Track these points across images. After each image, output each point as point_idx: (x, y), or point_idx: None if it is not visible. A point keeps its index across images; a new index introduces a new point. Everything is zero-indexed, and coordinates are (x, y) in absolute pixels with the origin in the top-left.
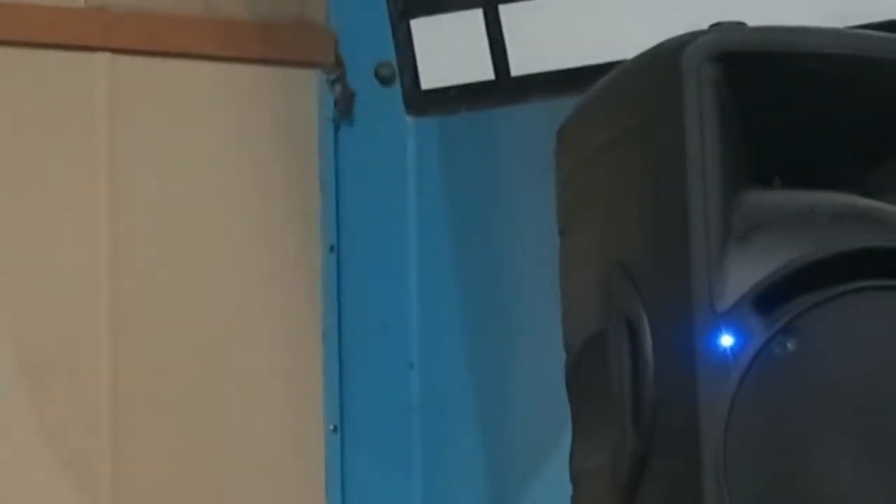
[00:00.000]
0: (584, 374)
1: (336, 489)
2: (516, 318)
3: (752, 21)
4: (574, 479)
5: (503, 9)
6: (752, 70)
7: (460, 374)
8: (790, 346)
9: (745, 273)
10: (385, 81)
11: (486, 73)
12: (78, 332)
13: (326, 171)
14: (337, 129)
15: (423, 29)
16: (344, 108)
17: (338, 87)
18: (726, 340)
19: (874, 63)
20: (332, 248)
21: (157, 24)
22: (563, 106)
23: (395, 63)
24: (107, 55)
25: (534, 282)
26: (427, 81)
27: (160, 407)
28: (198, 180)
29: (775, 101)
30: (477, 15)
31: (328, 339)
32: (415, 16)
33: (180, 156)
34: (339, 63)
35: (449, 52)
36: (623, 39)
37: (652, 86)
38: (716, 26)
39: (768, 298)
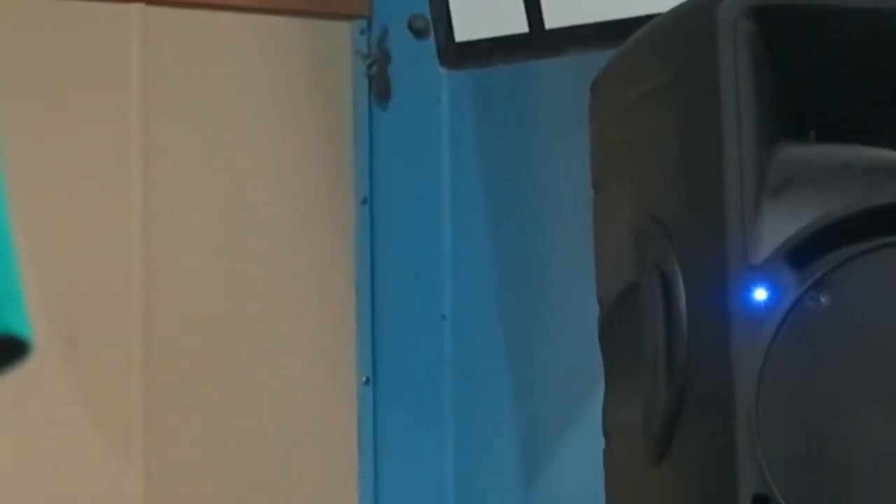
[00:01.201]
0: (618, 327)
1: (368, 441)
2: (549, 271)
3: None
4: (606, 433)
5: None
6: (787, 24)
7: (493, 327)
8: (823, 300)
9: (778, 227)
10: (419, 34)
11: (521, 25)
12: (110, 288)
13: (360, 123)
14: (371, 81)
15: None
16: (380, 88)
17: (374, 69)
18: (760, 294)
19: None
20: (365, 201)
21: None
22: (598, 59)
23: (428, 16)
24: (140, 6)
25: (567, 235)
26: (461, 34)
27: (192, 362)
28: (230, 133)
29: (810, 56)
30: None
31: (361, 291)
32: None
33: (212, 108)
34: (371, 19)
35: (483, 4)
36: None
37: (687, 40)
38: None
39: (802, 252)
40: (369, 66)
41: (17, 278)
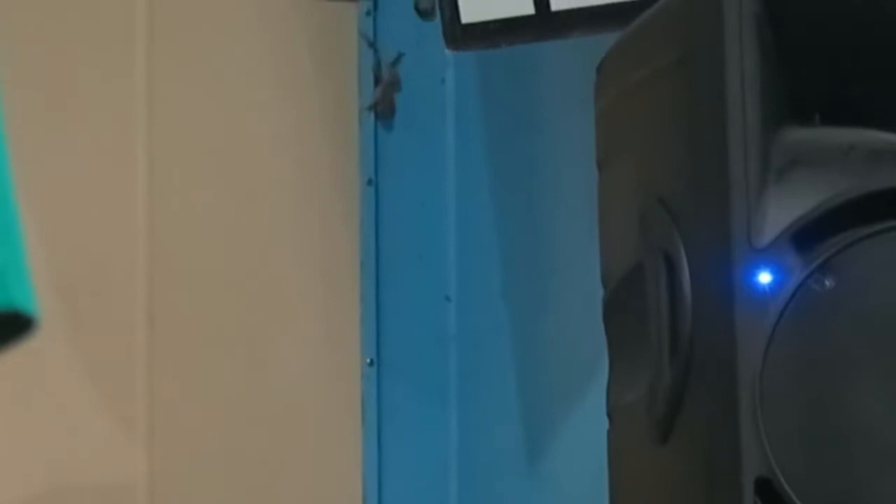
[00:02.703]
0: (622, 308)
1: (372, 422)
2: (554, 252)
3: None
4: (610, 413)
5: None
6: (793, 6)
7: (497, 308)
8: (828, 283)
9: (783, 210)
10: (425, 15)
11: (527, 7)
12: (115, 255)
13: (365, 102)
14: (377, 59)
15: None
16: (384, 110)
17: (379, 91)
18: (764, 277)
19: None
20: (370, 181)
21: None
22: (604, 40)
23: None
24: None
25: (572, 216)
26: (467, 15)
27: (196, 335)
28: (234, 111)
29: (816, 37)
30: None
31: (366, 271)
32: None
33: (219, 83)
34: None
35: None
36: None
37: (693, 21)
38: None
39: (807, 235)
40: (374, 104)
41: (23, 253)
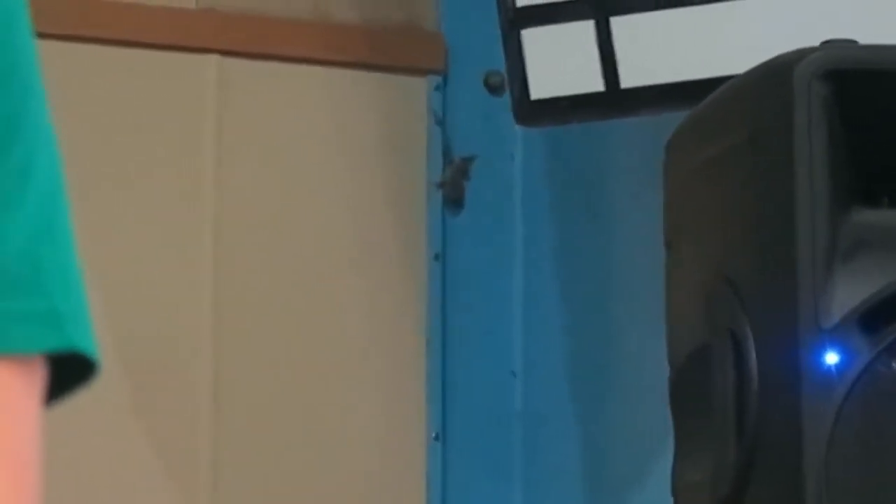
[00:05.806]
0: (688, 387)
1: (437, 497)
2: (620, 329)
3: (863, 39)
4: (675, 493)
5: (614, 21)
6: (862, 88)
7: (563, 385)
8: (895, 364)
9: (851, 291)
10: (494, 90)
11: (596, 84)
12: (181, 331)
13: (433, 178)
14: (445, 137)
15: (534, 39)
16: (453, 192)
17: (448, 177)
18: (831, 358)
19: None
20: (437, 257)
21: (266, 27)
22: (672, 119)
23: (504, 72)
24: (216, 57)
25: (638, 294)
26: (536, 91)
27: (261, 411)
28: (303, 184)
29: (885, 119)
30: (588, 27)
31: (432, 346)
32: (526, 26)
33: (286, 159)
34: (446, 75)
35: (559, 62)
36: (734, 54)
37: (762, 101)
38: (827, 44)
39: (874, 317)
40: (442, 184)
41: (84, 297)
